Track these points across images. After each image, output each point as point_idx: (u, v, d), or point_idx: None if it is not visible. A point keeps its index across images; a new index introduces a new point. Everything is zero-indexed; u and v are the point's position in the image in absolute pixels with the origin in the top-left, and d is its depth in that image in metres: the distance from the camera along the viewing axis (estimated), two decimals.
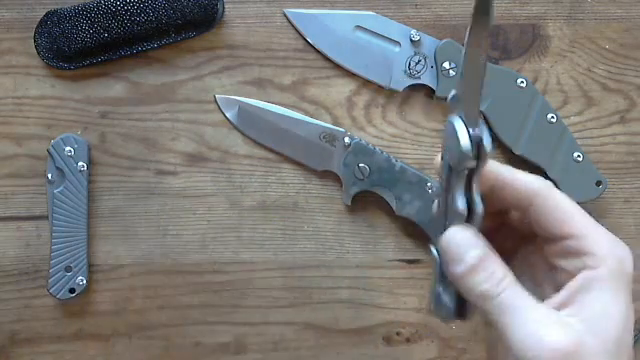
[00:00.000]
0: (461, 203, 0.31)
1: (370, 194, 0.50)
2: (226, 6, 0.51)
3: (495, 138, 0.51)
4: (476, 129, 0.29)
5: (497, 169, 0.33)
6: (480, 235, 0.31)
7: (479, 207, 0.31)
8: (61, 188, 0.49)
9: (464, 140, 0.29)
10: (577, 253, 0.31)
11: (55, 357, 0.51)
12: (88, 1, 0.50)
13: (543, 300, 0.31)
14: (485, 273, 0.31)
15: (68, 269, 0.49)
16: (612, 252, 0.31)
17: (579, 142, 0.50)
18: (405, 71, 0.51)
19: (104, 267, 0.51)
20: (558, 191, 0.32)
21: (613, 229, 0.51)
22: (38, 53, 0.50)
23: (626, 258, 0.32)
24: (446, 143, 0.30)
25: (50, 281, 0.49)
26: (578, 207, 0.33)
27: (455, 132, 0.29)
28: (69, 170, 0.49)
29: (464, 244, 0.31)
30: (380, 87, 0.51)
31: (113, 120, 0.51)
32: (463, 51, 0.30)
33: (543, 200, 0.32)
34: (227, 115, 0.51)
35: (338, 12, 0.51)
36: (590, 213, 0.51)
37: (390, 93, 0.52)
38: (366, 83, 0.52)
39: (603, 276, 0.31)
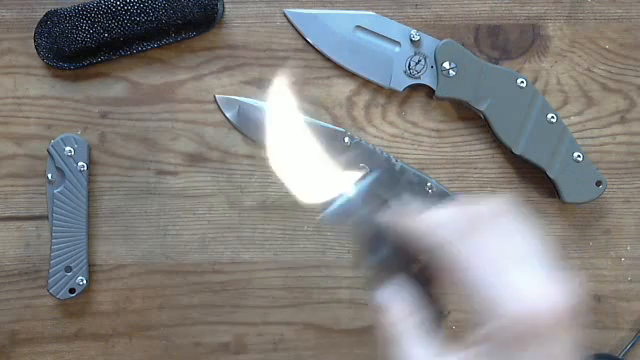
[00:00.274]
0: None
1: None
2: (226, 6, 0.51)
3: (495, 138, 0.51)
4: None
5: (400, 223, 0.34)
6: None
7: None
8: (61, 188, 0.49)
9: None
10: (473, 310, 0.31)
11: (55, 357, 0.51)
12: (88, 1, 0.50)
13: None
14: (389, 313, 0.33)
15: (68, 269, 0.49)
16: (510, 309, 0.30)
17: (579, 142, 0.50)
18: (405, 71, 0.51)
19: (104, 267, 0.51)
20: (466, 242, 0.32)
21: (613, 229, 0.52)
22: (38, 53, 0.50)
23: (540, 312, 0.29)
24: None
25: (50, 281, 0.49)
26: (486, 259, 0.31)
27: None
28: (69, 170, 0.49)
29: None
30: (380, 87, 0.51)
31: (113, 120, 0.51)
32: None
33: (437, 258, 0.32)
34: (227, 115, 0.51)
35: (338, 12, 0.51)
36: (590, 213, 0.52)
37: (390, 93, 0.52)
38: (366, 83, 0.52)
39: (491, 336, 0.30)
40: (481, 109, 0.50)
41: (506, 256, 0.31)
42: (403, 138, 0.52)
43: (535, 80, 0.52)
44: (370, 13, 0.51)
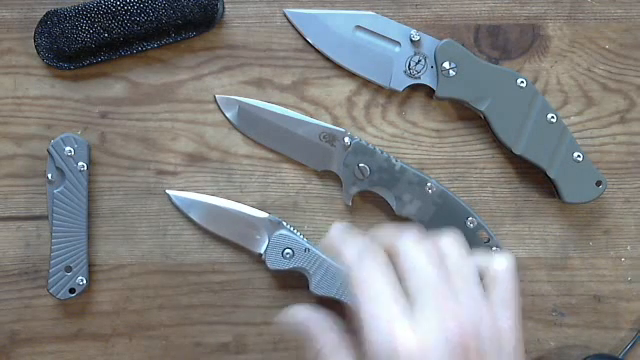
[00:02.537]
0: None
1: (370, 194, 0.50)
2: (226, 6, 0.51)
3: (495, 138, 0.51)
4: None
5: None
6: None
7: None
8: (61, 188, 0.49)
9: None
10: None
11: (55, 357, 0.51)
12: (88, 1, 0.50)
13: None
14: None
15: (68, 269, 0.49)
16: (372, 338, 0.33)
17: (579, 142, 0.50)
18: (405, 71, 0.51)
19: (104, 267, 0.51)
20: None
21: (613, 229, 0.52)
22: (38, 53, 0.50)
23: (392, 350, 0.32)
24: None
25: (50, 281, 0.49)
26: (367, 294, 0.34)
27: None
28: (69, 170, 0.49)
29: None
30: (380, 87, 0.52)
31: (113, 120, 0.51)
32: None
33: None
34: (227, 115, 0.51)
35: (338, 12, 0.51)
36: (590, 213, 0.52)
37: (390, 93, 0.52)
38: (366, 83, 0.52)
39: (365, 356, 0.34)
40: (481, 109, 0.50)
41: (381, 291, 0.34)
42: (403, 138, 0.52)
43: (535, 80, 0.52)
44: (370, 13, 0.51)
